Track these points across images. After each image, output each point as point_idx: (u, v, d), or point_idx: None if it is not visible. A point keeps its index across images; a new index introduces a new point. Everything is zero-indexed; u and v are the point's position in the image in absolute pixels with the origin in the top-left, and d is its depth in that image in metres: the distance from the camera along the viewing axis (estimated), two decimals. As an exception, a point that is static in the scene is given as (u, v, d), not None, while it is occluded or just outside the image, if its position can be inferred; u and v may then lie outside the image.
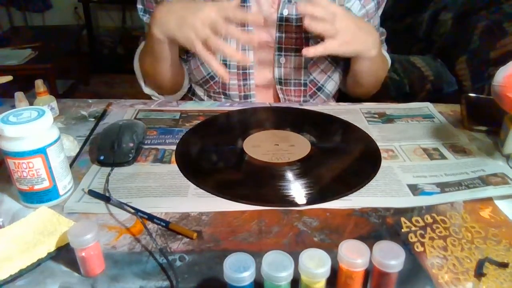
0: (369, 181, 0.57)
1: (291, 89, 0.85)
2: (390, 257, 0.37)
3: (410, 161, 0.62)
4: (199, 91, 0.89)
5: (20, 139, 0.47)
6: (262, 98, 0.87)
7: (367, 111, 0.77)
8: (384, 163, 0.61)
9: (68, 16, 3.17)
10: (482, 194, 0.54)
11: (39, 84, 0.71)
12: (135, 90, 0.87)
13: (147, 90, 0.86)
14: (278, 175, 0.58)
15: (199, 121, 0.72)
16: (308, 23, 0.67)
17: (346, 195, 0.54)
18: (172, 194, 0.54)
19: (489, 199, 0.54)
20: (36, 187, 0.50)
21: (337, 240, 0.46)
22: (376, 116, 0.76)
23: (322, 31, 0.68)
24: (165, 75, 0.79)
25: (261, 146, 0.64)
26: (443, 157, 0.63)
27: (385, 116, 0.76)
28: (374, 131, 0.70)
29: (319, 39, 0.80)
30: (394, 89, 1.19)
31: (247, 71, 0.82)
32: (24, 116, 0.48)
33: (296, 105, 0.80)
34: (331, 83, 0.86)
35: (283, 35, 0.81)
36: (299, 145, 0.64)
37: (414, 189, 0.55)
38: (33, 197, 0.51)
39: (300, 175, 0.58)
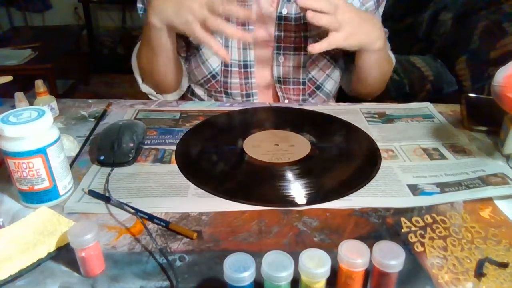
0: (369, 181, 0.57)
1: (290, 88, 0.85)
2: (390, 257, 0.37)
3: (410, 161, 0.62)
4: (199, 91, 0.89)
5: (20, 139, 0.47)
6: (262, 97, 0.87)
7: (367, 111, 0.77)
8: (384, 163, 0.61)
9: (68, 16, 3.17)
10: (482, 194, 0.54)
11: (39, 84, 0.71)
12: (135, 90, 0.87)
13: (144, 88, 0.85)
14: (278, 175, 0.58)
15: (199, 121, 0.72)
16: (311, 17, 0.65)
17: (346, 195, 0.54)
18: (172, 194, 0.54)
19: (489, 199, 0.54)
20: (36, 187, 0.50)
21: (337, 240, 0.46)
22: (376, 116, 0.76)
23: (326, 24, 0.66)
24: (162, 70, 0.78)
25: (261, 146, 0.64)
26: (443, 157, 0.63)
27: (385, 116, 0.76)
28: (374, 131, 0.70)
29: (318, 37, 0.81)
30: (394, 89, 1.19)
31: (248, 69, 0.82)
32: (24, 116, 0.48)
33: (296, 105, 0.80)
34: (330, 82, 0.86)
35: (282, 34, 0.81)
36: (299, 145, 0.64)
37: (414, 189, 0.55)
38: (33, 197, 0.51)
39: (300, 175, 0.58)
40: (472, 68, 1.37)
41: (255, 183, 0.57)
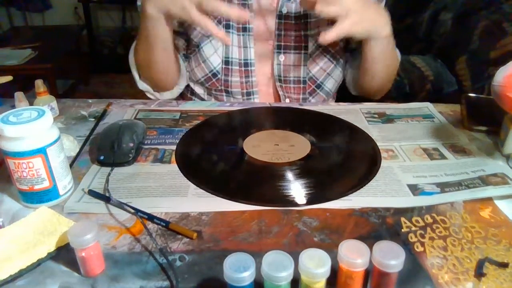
0: (369, 181, 0.57)
1: (290, 86, 0.85)
2: (390, 257, 0.37)
3: (410, 161, 0.62)
4: (199, 90, 0.89)
5: (20, 139, 0.47)
6: (262, 95, 0.87)
7: (367, 111, 0.77)
8: (384, 163, 0.61)
9: (68, 16, 3.17)
10: (482, 194, 0.54)
11: (39, 84, 0.71)
12: (135, 90, 0.87)
13: (141, 85, 0.84)
14: (278, 175, 0.58)
15: (199, 121, 0.72)
16: (319, 9, 0.66)
17: (346, 195, 0.54)
18: (172, 194, 0.54)
19: (489, 199, 0.54)
20: (36, 187, 0.50)
21: (337, 240, 0.46)
22: (376, 116, 0.76)
23: (334, 14, 0.67)
24: (159, 63, 0.78)
25: (261, 146, 0.64)
26: (443, 157, 0.63)
27: (385, 116, 0.76)
28: (374, 131, 0.70)
29: (318, 36, 0.81)
30: (394, 89, 1.19)
31: (249, 68, 0.82)
32: (24, 116, 0.48)
33: (296, 105, 0.80)
34: (331, 81, 0.86)
35: (282, 32, 0.81)
36: (299, 145, 0.64)
37: (414, 189, 0.55)
38: (33, 197, 0.51)
39: (300, 175, 0.58)
40: (472, 68, 1.37)
41: (255, 183, 0.57)
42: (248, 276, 0.34)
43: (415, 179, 0.57)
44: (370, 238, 0.47)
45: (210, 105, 0.79)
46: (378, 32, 0.73)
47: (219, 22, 0.80)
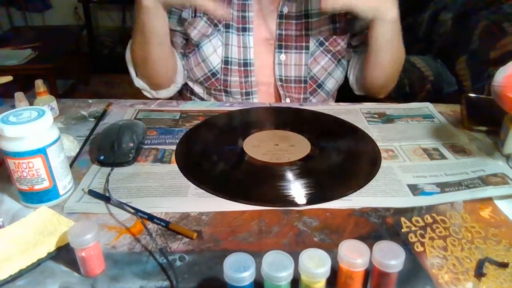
0: (369, 181, 0.57)
1: (291, 86, 0.85)
2: (390, 257, 0.37)
3: (410, 161, 0.62)
4: (199, 89, 0.89)
5: (20, 139, 0.47)
6: (263, 95, 0.87)
7: (367, 111, 0.77)
8: (384, 163, 0.61)
9: (68, 16, 3.17)
10: (482, 194, 0.54)
11: (39, 84, 0.71)
12: (135, 90, 0.87)
13: (138, 83, 0.84)
14: (278, 175, 0.58)
15: (199, 121, 0.72)
16: None
17: (346, 195, 0.54)
18: (172, 194, 0.54)
19: (489, 199, 0.54)
20: (36, 187, 0.50)
21: (337, 240, 0.46)
22: (376, 116, 0.76)
23: None
24: (156, 58, 0.78)
25: (261, 146, 0.64)
26: (443, 157, 0.63)
27: (385, 116, 0.76)
28: (374, 131, 0.70)
29: (319, 36, 0.81)
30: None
31: (248, 68, 0.82)
32: (24, 116, 0.48)
33: (296, 105, 0.80)
34: (332, 81, 0.86)
35: (283, 32, 0.81)
36: (299, 145, 0.64)
37: (414, 189, 0.55)
38: (33, 197, 0.51)
39: (300, 175, 0.58)
40: (472, 68, 1.37)
41: (255, 183, 0.57)
42: (248, 276, 0.34)
43: (415, 179, 0.57)
44: (370, 238, 0.47)
45: (210, 105, 0.79)
46: (384, 13, 0.72)
47: (219, 22, 0.80)
